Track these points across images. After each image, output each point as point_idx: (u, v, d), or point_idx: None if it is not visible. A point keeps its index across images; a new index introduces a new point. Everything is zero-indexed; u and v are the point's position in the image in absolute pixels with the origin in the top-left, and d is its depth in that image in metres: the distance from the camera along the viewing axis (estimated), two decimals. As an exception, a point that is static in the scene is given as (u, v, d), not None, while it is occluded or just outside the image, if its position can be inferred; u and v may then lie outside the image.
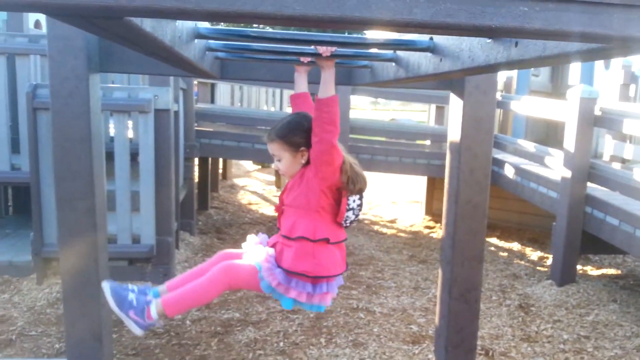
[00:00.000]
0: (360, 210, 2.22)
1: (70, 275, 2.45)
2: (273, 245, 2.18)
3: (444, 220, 2.69)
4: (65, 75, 2.23)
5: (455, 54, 1.24)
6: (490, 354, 3.67)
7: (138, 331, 2.06)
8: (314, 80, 2.23)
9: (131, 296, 2.09)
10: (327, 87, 1.92)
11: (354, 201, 2.16)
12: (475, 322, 2.72)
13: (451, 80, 2.54)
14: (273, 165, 2.16)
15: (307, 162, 2.08)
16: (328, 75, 1.92)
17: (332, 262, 2.10)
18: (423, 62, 1.52)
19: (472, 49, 1.14)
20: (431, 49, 1.43)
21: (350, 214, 2.17)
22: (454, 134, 2.54)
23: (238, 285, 2.20)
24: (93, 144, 2.29)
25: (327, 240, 2.08)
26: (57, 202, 2.35)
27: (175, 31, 1.09)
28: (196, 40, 1.48)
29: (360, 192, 2.15)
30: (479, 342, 3.76)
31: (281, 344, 3.74)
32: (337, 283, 2.16)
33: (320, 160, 1.99)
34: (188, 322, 4.01)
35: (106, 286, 2.10)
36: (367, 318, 4.21)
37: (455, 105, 2.54)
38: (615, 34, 0.78)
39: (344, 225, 2.19)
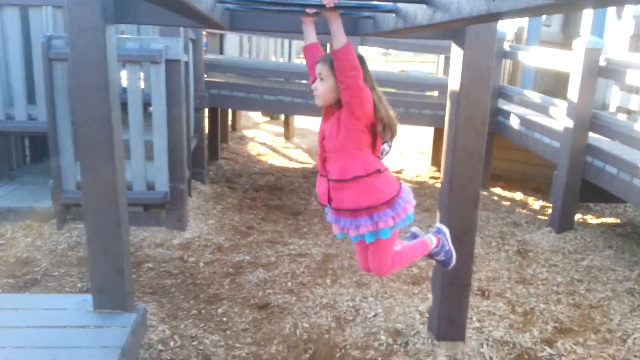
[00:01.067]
0: (392, 142, 2.42)
1: (93, 216, 2.63)
2: (329, 198, 2.38)
3: (442, 166, 2.83)
4: (82, 27, 2.34)
5: (446, 6, 1.35)
6: (486, 294, 3.87)
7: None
8: (323, 30, 2.34)
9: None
10: (338, 36, 2.05)
11: (386, 134, 2.36)
12: (470, 261, 2.90)
13: (453, 31, 2.63)
14: (313, 86, 2.28)
15: (339, 105, 2.23)
16: (335, 26, 2.04)
17: (390, 184, 2.32)
18: (419, 13, 1.63)
19: (459, 2, 1.25)
20: (426, 1, 1.54)
21: (385, 146, 2.38)
22: (454, 82, 2.65)
23: (390, 253, 2.46)
24: (110, 91, 2.43)
25: (378, 171, 2.29)
26: (78, 148, 2.51)
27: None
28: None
29: (393, 126, 2.32)
30: (476, 284, 3.98)
31: (289, 283, 3.97)
32: (406, 193, 2.37)
33: (352, 103, 2.14)
34: (201, 264, 4.24)
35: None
36: (371, 261, 4.42)
37: (456, 54, 2.64)
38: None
39: (380, 157, 2.40)
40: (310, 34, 2.37)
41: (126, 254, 2.79)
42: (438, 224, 2.76)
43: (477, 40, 2.53)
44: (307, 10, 2.18)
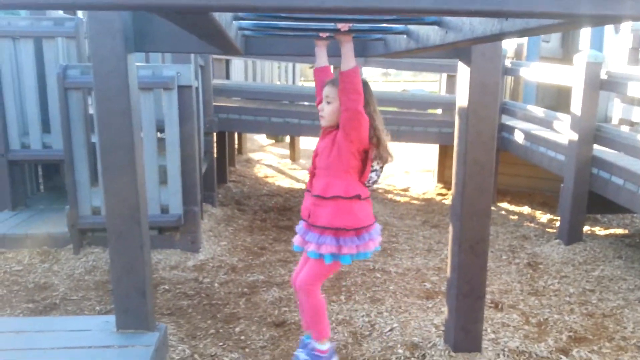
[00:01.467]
0: (381, 172, 2.51)
1: (117, 238, 2.71)
2: (307, 213, 2.46)
3: (453, 180, 2.91)
4: (104, 55, 2.45)
5: (458, 27, 1.44)
6: (500, 306, 3.91)
7: None
8: (333, 54, 2.45)
9: (302, 356, 2.67)
10: (348, 59, 2.15)
11: (377, 163, 2.45)
12: (484, 272, 2.95)
13: (458, 49, 2.73)
14: (319, 107, 2.39)
15: (338, 127, 2.33)
16: (347, 49, 2.15)
17: (366, 214, 2.40)
18: (431, 34, 1.72)
19: (472, 22, 1.34)
20: (438, 22, 1.63)
21: (373, 174, 2.47)
22: (462, 99, 2.74)
23: (321, 279, 2.55)
24: (132, 117, 2.53)
25: (358, 197, 2.37)
26: (103, 172, 2.60)
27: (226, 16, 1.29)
28: (234, 22, 1.70)
29: (384, 156, 2.41)
30: (489, 297, 4.02)
31: (304, 301, 4.01)
32: (376, 231, 2.46)
33: (349, 126, 2.24)
34: (216, 284, 4.30)
35: None
36: (383, 277, 4.48)
37: (462, 72, 2.74)
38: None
39: (367, 185, 2.48)
40: (322, 57, 2.48)
41: (148, 274, 2.86)
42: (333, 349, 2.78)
43: (483, 58, 2.63)
44: (321, 34, 2.29)
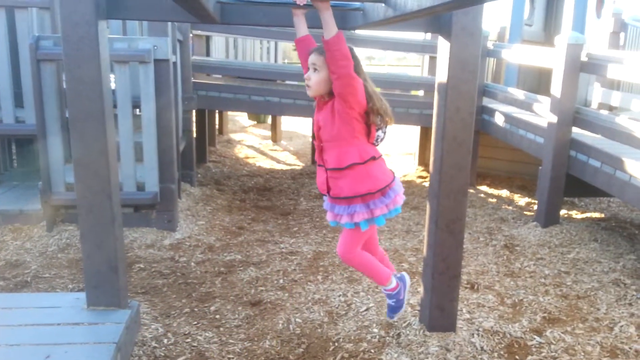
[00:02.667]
0: (386, 128, 2.52)
1: (87, 212, 2.64)
2: (327, 187, 2.45)
3: (431, 157, 2.88)
4: (75, 21, 2.36)
5: (436, -9, 1.40)
6: (476, 287, 3.93)
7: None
8: (313, 24, 2.39)
9: (389, 303, 2.84)
10: (329, 27, 2.10)
11: (379, 121, 2.44)
12: (460, 251, 2.94)
13: (440, 23, 2.69)
14: (306, 76, 2.35)
15: (331, 96, 2.28)
16: (326, 16, 2.09)
17: (384, 173, 2.43)
18: (409, 0, 1.67)
19: (450, -16, 1.30)
20: (415, -13, 1.59)
21: (380, 132, 2.48)
22: (442, 74, 2.70)
23: (359, 243, 2.59)
24: (103, 86, 2.45)
25: (373, 158, 2.38)
26: (72, 143, 2.52)
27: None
28: (203, -18, 1.63)
29: (385, 119, 2.40)
30: (465, 277, 4.03)
31: (281, 281, 3.99)
32: (398, 184, 2.49)
33: (345, 93, 2.22)
34: (193, 263, 4.24)
35: (388, 316, 2.94)
36: (361, 257, 4.46)
37: (443, 47, 2.69)
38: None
39: (375, 144, 2.49)
40: (302, 27, 2.41)
41: (120, 250, 2.79)
42: (404, 273, 2.88)
43: (463, 32, 2.59)
44: (298, 1, 2.22)
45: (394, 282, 2.74)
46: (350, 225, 2.43)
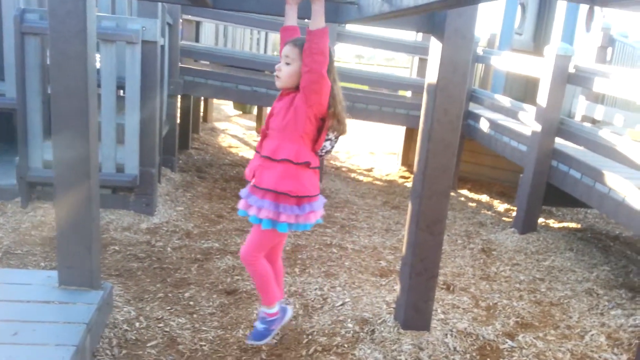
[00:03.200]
0: (335, 142, 2.41)
1: (64, 190, 2.58)
2: (252, 173, 2.36)
3: (416, 158, 2.88)
4: (63, -5, 2.31)
5: (434, -14, 1.39)
6: (451, 288, 3.95)
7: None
8: (304, 15, 2.35)
9: (258, 325, 2.61)
10: (318, 19, 2.05)
11: (332, 132, 2.35)
12: (438, 252, 2.95)
13: (433, 23, 2.68)
14: (277, 66, 2.27)
15: (297, 90, 2.23)
16: (318, 7, 2.05)
17: (312, 184, 2.30)
18: (405, -5, 1.66)
19: (448, -19, 1.29)
20: (413, -18, 1.58)
21: (327, 144, 2.37)
22: (432, 75, 2.70)
23: (262, 248, 2.44)
24: (88, 62, 2.39)
25: (308, 164, 2.27)
26: (53, 119, 2.46)
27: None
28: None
29: (340, 128, 2.33)
30: (441, 278, 4.05)
31: (258, 271, 3.96)
32: (319, 203, 2.35)
33: (309, 89, 2.14)
34: (169, 249, 4.20)
35: (249, 339, 2.67)
36: (339, 253, 4.46)
37: (434, 48, 2.69)
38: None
39: (319, 154, 2.39)
40: (292, 17, 2.37)
41: (96, 231, 2.75)
42: (289, 308, 2.70)
43: (456, 34, 2.59)
44: (292, -10, 2.19)
45: (276, 308, 2.57)
46: (255, 220, 2.30)
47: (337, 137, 2.40)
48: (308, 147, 2.30)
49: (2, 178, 4.64)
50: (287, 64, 2.22)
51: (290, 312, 2.70)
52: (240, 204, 2.40)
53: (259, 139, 2.48)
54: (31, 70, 4.12)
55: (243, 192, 2.41)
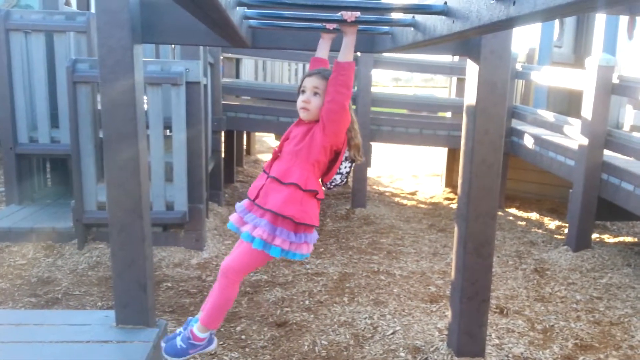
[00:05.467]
0: (347, 178, 2.41)
1: (118, 231, 2.69)
2: (256, 193, 2.30)
3: (460, 180, 2.86)
4: (111, 46, 2.44)
5: (465, 15, 1.41)
6: (505, 312, 3.85)
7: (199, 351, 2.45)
8: (336, 48, 2.40)
9: (178, 340, 2.43)
10: (347, 51, 2.10)
11: (345, 167, 2.35)
12: (489, 275, 2.90)
13: (468, 46, 2.70)
14: (304, 97, 2.24)
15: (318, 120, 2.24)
16: (349, 41, 2.10)
17: (314, 214, 2.27)
18: (438, 24, 1.69)
19: (479, 9, 1.31)
20: (445, 12, 1.60)
21: (337, 177, 2.36)
22: (470, 97, 2.70)
23: (248, 269, 2.35)
24: (137, 108, 2.51)
25: (315, 193, 2.25)
26: (106, 162, 2.58)
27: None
28: (237, 8, 1.67)
29: (354, 158, 2.34)
30: (494, 302, 3.96)
31: (307, 302, 3.98)
32: (314, 236, 2.31)
33: (328, 118, 2.14)
34: (219, 282, 4.26)
35: (163, 349, 2.47)
36: (387, 280, 4.43)
37: (471, 70, 2.70)
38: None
39: (328, 186, 2.38)
40: (324, 49, 2.41)
41: (150, 269, 2.83)
42: (215, 340, 2.55)
43: (492, 55, 2.59)
44: (327, 26, 2.25)
45: (206, 334, 2.43)
46: (248, 238, 2.23)
47: (349, 171, 2.38)
48: (317, 177, 2.29)
49: (59, 221, 4.84)
50: (316, 94, 2.22)
51: (214, 345, 2.52)
52: (233, 218, 2.36)
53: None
54: (83, 117, 4.33)
55: (238, 206, 2.38)
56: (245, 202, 2.37)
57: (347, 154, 2.32)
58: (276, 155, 2.33)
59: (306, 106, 2.23)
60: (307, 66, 10.39)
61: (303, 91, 2.27)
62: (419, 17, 1.94)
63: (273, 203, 2.20)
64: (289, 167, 2.23)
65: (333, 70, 2.13)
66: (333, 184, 2.38)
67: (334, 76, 2.11)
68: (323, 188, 2.36)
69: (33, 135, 5.12)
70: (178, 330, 2.53)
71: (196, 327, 2.41)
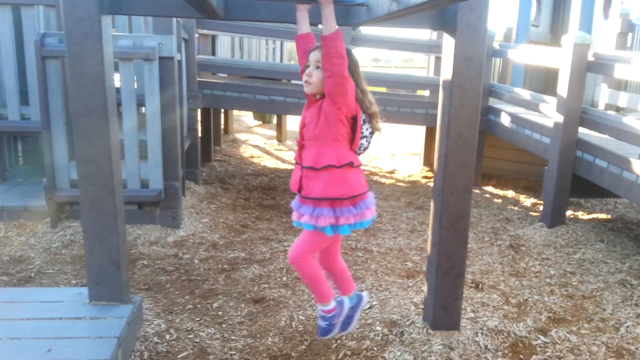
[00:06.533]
0: (371, 138, 2.46)
1: (90, 207, 2.64)
2: (300, 186, 2.39)
3: (436, 154, 2.86)
4: (78, 17, 2.36)
5: (439, -19, 1.39)
6: (480, 286, 3.90)
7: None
8: (315, 21, 2.37)
9: (320, 323, 2.65)
10: (329, 23, 2.08)
11: (366, 129, 2.39)
12: (464, 249, 2.92)
13: (445, 20, 2.67)
14: (306, 72, 2.30)
15: (324, 95, 2.25)
16: (327, 12, 2.07)
17: (359, 183, 2.35)
18: (412, -8, 1.66)
19: (453, -26, 1.29)
20: (419, -21, 1.58)
21: (363, 141, 2.41)
22: (446, 71, 2.69)
23: (315, 252, 2.49)
24: (106, 81, 2.44)
25: (351, 164, 2.31)
26: (75, 138, 2.52)
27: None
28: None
29: (373, 115, 2.36)
30: (469, 277, 4.01)
31: (284, 278, 3.98)
32: (371, 199, 2.40)
33: (335, 92, 2.17)
34: (196, 261, 4.24)
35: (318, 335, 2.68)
36: (365, 256, 4.45)
37: (448, 44, 2.68)
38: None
39: (358, 152, 2.43)
40: (304, 24, 2.40)
41: (122, 245, 2.79)
42: (345, 299, 2.69)
43: (468, 29, 2.57)
44: (301, -5, 2.21)
45: (332, 305, 2.59)
46: (309, 227, 2.33)
47: (372, 133, 2.44)
48: (346, 148, 2.34)
49: (32, 200, 4.75)
50: (318, 67, 2.25)
51: (347, 303, 2.70)
52: (294, 216, 2.47)
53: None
54: (53, 92, 4.22)
55: (294, 204, 2.47)
56: (297, 198, 2.47)
57: (363, 116, 2.35)
58: (301, 145, 2.39)
59: (308, 79, 2.29)
60: (285, 44, 10.25)
61: (308, 66, 2.31)
62: (394, -14, 1.91)
63: (317, 190, 2.28)
64: (318, 152, 2.29)
65: (322, 45, 2.14)
66: (362, 148, 2.43)
67: (324, 51, 2.13)
68: (357, 153, 2.43)
69: (2, 113, 4.97)
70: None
71: (320, 307, 2.61)
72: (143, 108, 4.74)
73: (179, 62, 5.09)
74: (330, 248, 2.59)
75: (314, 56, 2.28)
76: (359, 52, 10.14)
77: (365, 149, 2.46)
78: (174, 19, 4.72)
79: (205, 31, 6.96)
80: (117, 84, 4.74)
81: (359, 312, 2.75)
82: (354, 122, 2.33)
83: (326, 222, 2.29)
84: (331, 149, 2.27)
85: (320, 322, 2.64)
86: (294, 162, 2.51)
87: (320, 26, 2.60)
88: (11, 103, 4.87)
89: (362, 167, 2.45)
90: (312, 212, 2.31)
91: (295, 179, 2.41)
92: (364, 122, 2.36)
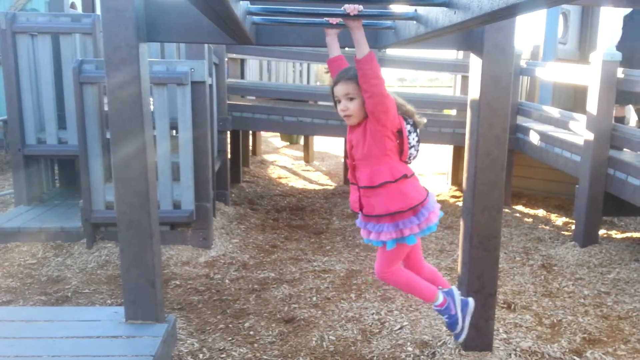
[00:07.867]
0: (419, 146, 2.50)
1: (126, 228, 2.72)
2: (360, 205, 2.45)
3: (464, 174, 2.87)
4: (117, 45, 2.47)
5: (467, 6, 1.42)
6: (512, 307, 3.85)
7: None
8: (345, 44, 2.43)
9: (445, 319, 2.70)
10: (361, 46, 2.14)
11: (413, 139, 2.43)
12: (495, 269, 2.91)
13: (471, 40, 2.71)
14: (341, 106, 2.33)
15: (365, 116, 2.31)
16: (359, 36, 2.13)
17: (417, 191, 2.39)
18: (440, 16, 1.70)
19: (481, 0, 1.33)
20: (447, 3, 1.62)
21: (412, 150, 2.46)
22: (474, 91, 2.71)
23: (397, 262, 2.55)
24: (143, 106, 2.54)
25: (405, 176, 2.36)
26: (113, 161, 2.61)
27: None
28: (240, 2, 1.70)
29: (417, 123, 2.41)
30: (501, 297, 3.97)
31: (314, 298, 4.00)
32: (432, 201, 2.44)
33: (377, 111, 2.23)
34: (227, 281, 4.29)
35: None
36: (394, 276, 4.43)
37: (475, 64, 2.71)
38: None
39: (408, 162, 2.48)
40: (335, 47, 2.45)
41: (158, 265, 2.86)
42: (453, 288, 2.73)
43: (495, 49, 2.60)
44: (331, 20, 2.27)
45: (440, 298, 2.64)
46: (378, 243, 2.42)
47: (419, 141, 2.48)
48: (397, 161, 2.39)
49: (68, 221, 4.89)
50: (351, 99, 2.30)
51: (456, 290, 2.72)
52: (363, 234, 2.53)
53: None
54: (90, 117, 4.37)
55: (358, 222, 2.54)
56: (360, 216, 2.53)
57: (407, 127, 2.40)
58: (352, 166, 2.45)
59: (347, 114, 2.34)
60: (312, 66, 10.39)
61: (338, 101, 2.36)
62: (421, 10, 1.96)
63: (379, 208, 2.35)
64: (371, 170, 2.35)
65: (357, 69, 2.19)
66: (411, 157, 2.49)
67: (360, 74, 2.18)
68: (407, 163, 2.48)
69: (41, 137, 5.17)
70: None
71: (433, 306, 2.67)
72: (175, 131, 4.87)
73: (210, 86, 5.22)
74: (410, 256, 2.64)
75: (341, 90, 2.32)
76: (385, 73, 10.19)
77: (414, 157, 2.52)
78: (206, 45, 4.86)
79: (234, 55, 7.13)
80: (151, 107, 4.90)
81: (469, 317, 2.71)
82: (399, 135, 2.38)
83: (388, 237, 2.35)
84: (383, 166, 2.33)
85: (444, 319, 2.69)
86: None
87: (347, 49, 2.68)
88: (49, 128, 5.06)
89: (415, 175, 2.48)
90: (374, 229, 2.39)
91: (354, 199, 2.47)
92: (409, 132, 2.41)
